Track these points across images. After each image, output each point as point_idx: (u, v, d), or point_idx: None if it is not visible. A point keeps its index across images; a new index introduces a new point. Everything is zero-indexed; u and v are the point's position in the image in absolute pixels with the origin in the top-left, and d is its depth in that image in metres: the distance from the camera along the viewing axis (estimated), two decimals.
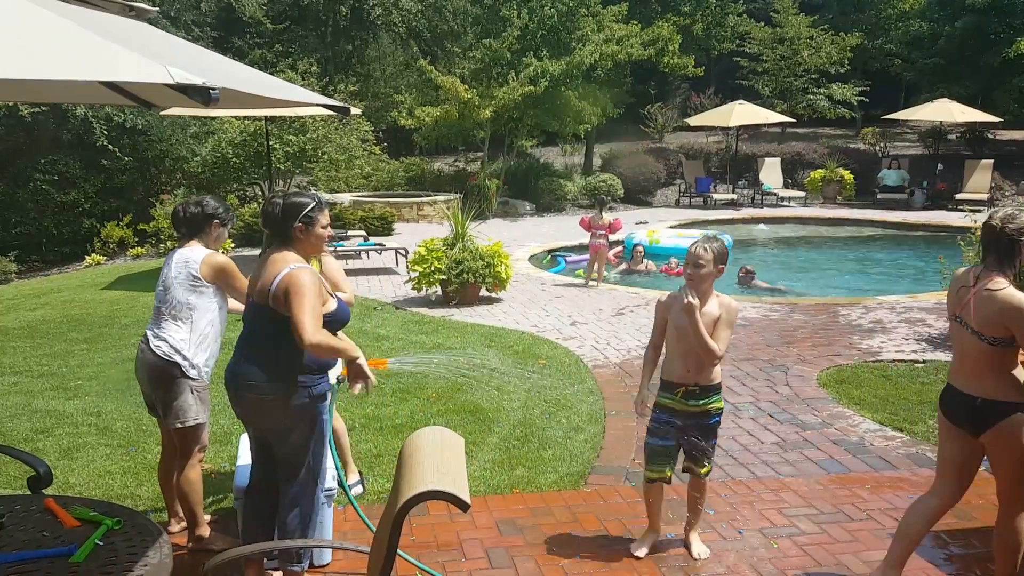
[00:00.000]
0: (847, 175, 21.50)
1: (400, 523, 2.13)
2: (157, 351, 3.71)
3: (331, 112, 3.90)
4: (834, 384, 6.51)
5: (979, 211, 16.15)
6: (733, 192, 21.44)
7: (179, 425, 3.72)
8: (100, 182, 16.79)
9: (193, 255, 3.78)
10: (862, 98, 25.83)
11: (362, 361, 3.39)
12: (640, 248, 12.84)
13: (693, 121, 22.50)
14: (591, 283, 10.85)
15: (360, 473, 4.69)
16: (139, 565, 2.48)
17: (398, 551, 2.25)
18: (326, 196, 15.26)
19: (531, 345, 7.73)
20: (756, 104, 22.70)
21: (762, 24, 26.60)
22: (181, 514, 3.99)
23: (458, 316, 8.98)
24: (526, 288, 10.62)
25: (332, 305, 3.32)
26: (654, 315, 3.89)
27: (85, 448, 5.28)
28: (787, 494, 4.57)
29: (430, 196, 18.59)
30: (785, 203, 20.92)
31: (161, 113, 13.29)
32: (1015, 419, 3.16)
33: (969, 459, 3.36)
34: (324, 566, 3.81)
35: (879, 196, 20.18)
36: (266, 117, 12.74)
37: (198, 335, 3.77)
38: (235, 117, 15.07)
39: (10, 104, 14.76)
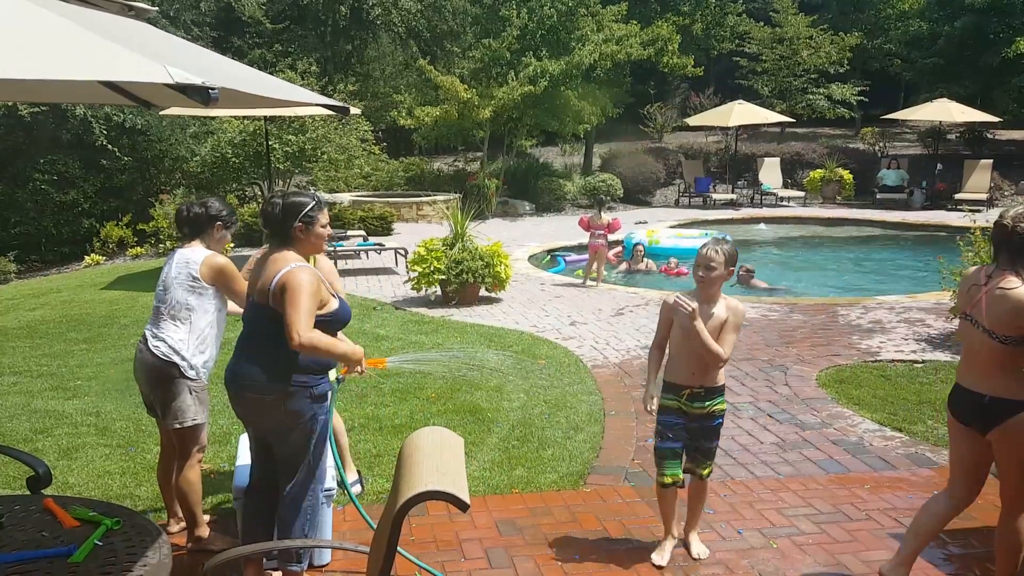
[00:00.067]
0: (846, 175, 21.51)
1: (400, 523, 2.13)
2: (156, 351, 3.71)
3: (330, 112, 3.91)
4: (833, 384, 6.51)
5: (978, 211, 16.19)
6: (732, 192, 21.45)
7: (177, 425, 3.72)
8: (99, 182, 16.79)
9: (194, 256, 3.78)
10: (861, 98, 25.83)
11: (358, 351, 3.38)
12: (640, 247, 12.84)
13: (692, 121, 22.51)
14: (589, 282, 10.85)
15: (359, 472, 4.69)
16: (138, 565, 2.48)
17: (398, 549, 2.25)
18: (325, 196, 15.29)
19: (530, 345, 7.73)
20: (755, 104, 22.71)
21: (761, 24, 26.61)
22: (180, 514, 3.99)
23: (457, 316, 8.99)
24: (525, 288, 10.62)
25: (334, 305, 3.32)
26: (659, 314, 3.83)
27: (84, 448, 5.28)
28: (786, 494, 4.57)
29: (429, 196, 18.60)
30: (784, 203, 20.92)
31: (160, 113, 13.30)
32: (1023, 417, 3.16)
33: (980, 459, 3.36)
34: (323, 566, 3.81)
35: (878, 196, 20.18)
36: (265, 117, 12.75)
37: (197, 336, 3.77)
38: (234, 117, 15.08)
39: (9, 104, 14.76)
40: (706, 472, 3.83)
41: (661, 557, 3.82)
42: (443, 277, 9.42)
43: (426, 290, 9.80)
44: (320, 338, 3.11)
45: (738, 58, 27.06)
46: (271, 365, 3.24)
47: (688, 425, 3.74)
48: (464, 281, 9.38)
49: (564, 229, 16.00)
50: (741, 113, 20.87)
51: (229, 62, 2.83)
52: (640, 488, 4.65)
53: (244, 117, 14.93)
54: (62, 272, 14.63)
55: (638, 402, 6.09)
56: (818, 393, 6.31)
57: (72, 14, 2.10)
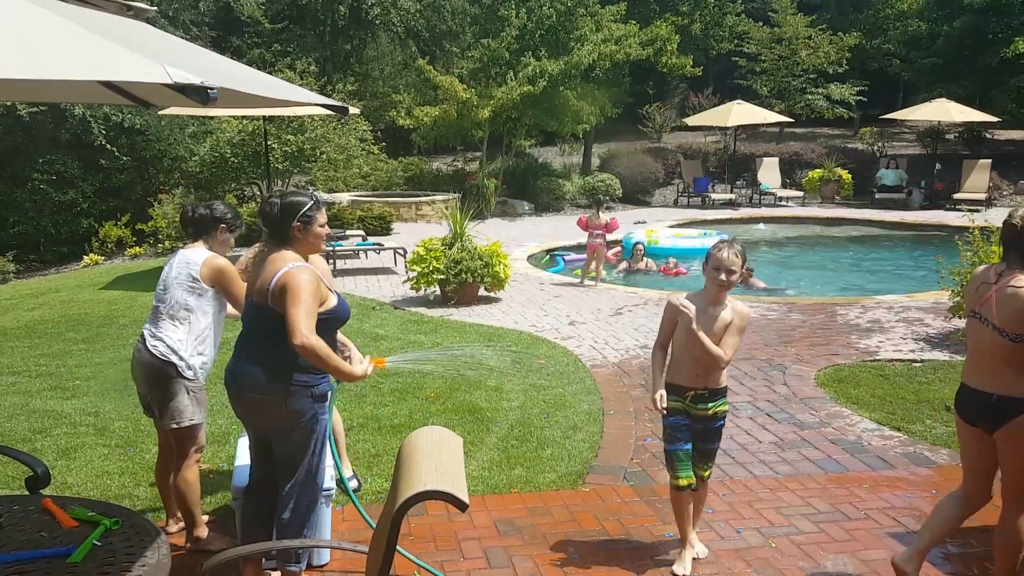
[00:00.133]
0: (845, 175, 21.51)
1: (399, 523, 2.13)
2: (154, 351, 3.71)
3: (329, 112, 3.91)
4: (832, 383, 6.51)
5: (977, 211, 16.24)
6: (731, 192, 21.46)
7: (175, 425, 3.72)
8: (98, 182, 16.79)
9: (195, 257, 3.79)
10: (860, 98, 25.85)
11: (356, 372, 3.32)
12: (640, 246, 12.84)
13: (691, 121, 22.51)
14: (587, 282, 10.86)
15: (353, 472, 4.69)
16: (137, 565, 2.48)
17: (397, 549, 2.25)
18: (324, 196, 15.28)
19: (529, 345, 7.73)
20: (754, 104, 22.72)
21: (760, 24, 26.62)
22: (179, 514, 3.99)
23: (456, 316, 8.99)
24: (525, 288, 10.62)
25: (332, 302, 3.32)
26: (663, 315, 3.78)
27: (83, 448, 5.28)
28: (785, 493, 4.57)
29: (428, 196, 18.60)
30: (783, 203, 20.93)
31: (159, 113, 13.29)
32: None
33: (990, 459, 3.35)
34: (322, 566, 3.81)
35: (877, 196, 20.19)
36: (264, 117, 12.74)
37: (195, 337, 3.77)
38: (233, 117, 15.07)
39: (8, 104, 14.75)
40: (707, 474, 3.83)
41: (683, 567, 3.72)
42: (442, 277, 9.42)
43: (425, 290, 9.81)
44: (320, 344, 3.09)
45: (737, 58, 27.07)
46: (271, 365, 3.24)
47: (693, 426, 3.72)
48: (463, 281, 9.38)
49: (563, 229, 16.00)
50: (740, 113, 20.88)
51: (228, 62, 2.83)
52: (639, 488, 4.65)
53: (243, 117, 14.92)
54: (61, 272, 14.62)
55: (637, 402, 6.09)
56: (817, 392, 6.31)
57: (71, 14, 2.10)
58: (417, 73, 22.04)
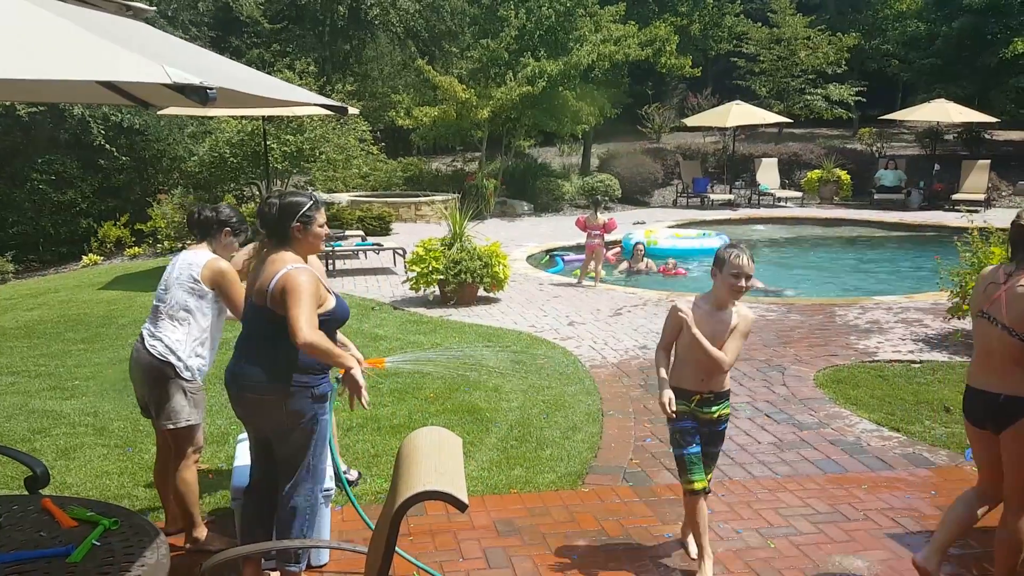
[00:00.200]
0: (844, 175, 21.52)
1: (398, 523, 2.13)
2: (152, 351, 3.72)
3: (329, 112, 3.91)
4: (831, 384, 6.52)
5: (976, 211, 16.25)
6: (730, 192, 21.46)
7: (171, 426, 3.73)
8: (97, 182, 16.78)
9: (197, 258, 3.81)
10: (859, 98, 25.87)
11: (357, 372, 3.31)
12: (640, 247, 12.85)
13: (690, 121, 22.52)
14: (586, 282, 10.86)
15: (347, 465, 4.70)
16: (136, 565, 2.48)
17: (396, 549, 2.25)
18: (323, 196, 15.27)
19: (529, 345, 7.74)
20: (753, 104, 22.72)
21: (759, 24, 26.63)
22: (178, 514, 3.98)
23: (456, 316, 8.99)
24: (524, 288, 10.62)
25: (331, 303, 3.32)
26: (667, 319, 3.72)
27: (82, 448, 5.27)
28: (784, 494, 4.57)
29: (428, 196, 18.59)
30: (782, 203, 20.93)
31: (158, 113, 13.28)
32: None
33: (1000, 458, 3.35)
34: (322, 566, 3.81)
35: (876, 196, 20.20)
36: (264, 117, 12.73)
37: (194, 338, 3.78)
38: (232, 117, 15.07)
39: (7, 104, 14.74)
40: (709, 477, 3.82)
41: None
42: (441, 277, 9.42)
43: (424, 290, 9.81)
44: (323, 341, 3.12)
45: (736, 59, 27.08)
46: (271, 366, 3.24)
47: (699, 430, 3.70)
48: (462, 281, 9.39)
49: (562, 229, 16.00)
50: (739, 114, 20.88)
51: (227, 62, 2.83)
52: (638, 488, 4.65)
53: (242, 117, 14.91)
54: (60, 272, 14.61)
55: (636, 402, 6.09)
56: (816, 393, 6.31)
57: (71, 14, 2.11)
58: (416, 73, 22.04)
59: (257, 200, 16.15)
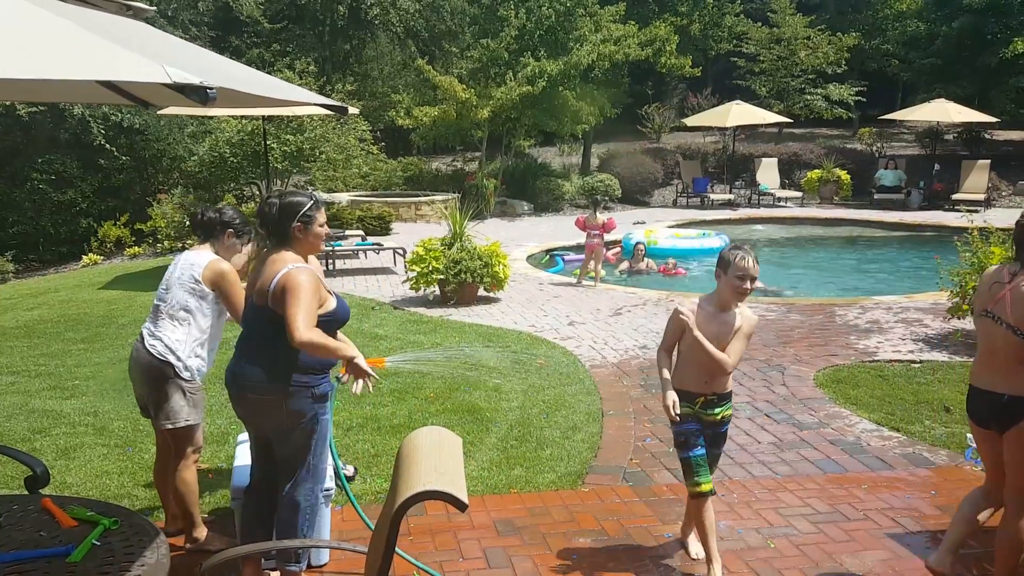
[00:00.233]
0: (844, 175, 21.53)
1: (398, 523, 2.13)
2: (152, 350, 3.72)
3: (329, 112, 3.91)
4: (831, 384, 6.52)
5: (976, 211, 16.25)
6: (730, 192, 21.46)
7: (169, 426, 3.73)
8: (97, 181, 16.78)
9: (199, 259, 3.81)
10: (859, 98, 25.87)
11: (360, 360, 3.36)
12: (641, 247, 12.85)
13: (690, 121, 22.52)
14: (585, 282, 10.86)
15: (343, 461, 4.71)
16: (136, 565, 2.48)
17: (396, 550, 2.26)
18: (324, 196, 15.27)
19: (529, 345, 7.73)
20: (753, 104, 22.73)
21: (759, 24, 26.64)
22: (178, 514, 3.98)
23: (456, 316, 8.99)
24: (524, 288, 10.62)
25: (332, 304, 3.32)
26: (669, 321, 3.69)
27: (82, 448, 5.27)
28: (784, 494, 4.57)
29: (428, 196, 18.59)
30: (782, 203, 20.93)
31: (158, 112, 13.28)
32: None
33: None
34: (321, 566, 3.81)
35: (876, 196, 20.20)
36: (264, 116, 12.73)
37: (194, 338, 3.78)
38: (232, 116, 15.06)
39: (7, 103, 14.74)
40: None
41: None
42: (441, 277, 9.42)
43: (424, 290, 9.81)
44: (321, 337, 3.12)
45: (736, 58, 27.08)
46: (271, 366, 3.24)
47: (703, 431, 3.68)
48: (462, 281, 9.39)
49: (562, 229, 16.00)
50: (739, 113, 20.89)
51: (227, 62, 2.83)
52: (638, 488, 4.65)
53: (242, 117, 14.91)
54: (60, 272, 14.61)
55: (636, 402, 6.09)
56: (815, 393, 6.32)
57: (71, 14, 2.11)
58: (416, 73, 22.04)
59: (257, 200, 16.16)
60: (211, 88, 1.86)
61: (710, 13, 28.21)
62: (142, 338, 3.78)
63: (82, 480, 4.77)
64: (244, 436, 3.90)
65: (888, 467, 4.94)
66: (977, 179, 19.51)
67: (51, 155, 16.29)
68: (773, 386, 6.49)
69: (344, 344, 3.38)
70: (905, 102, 27.28)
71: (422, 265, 9.46)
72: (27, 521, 2.76)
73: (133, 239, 15.46)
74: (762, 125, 23.10)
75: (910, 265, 13.75)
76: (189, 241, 13.39)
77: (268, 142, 13.98)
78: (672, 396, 3.57)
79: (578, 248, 12.77)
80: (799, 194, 21.28)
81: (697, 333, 3.53)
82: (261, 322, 3.26)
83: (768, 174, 21.55)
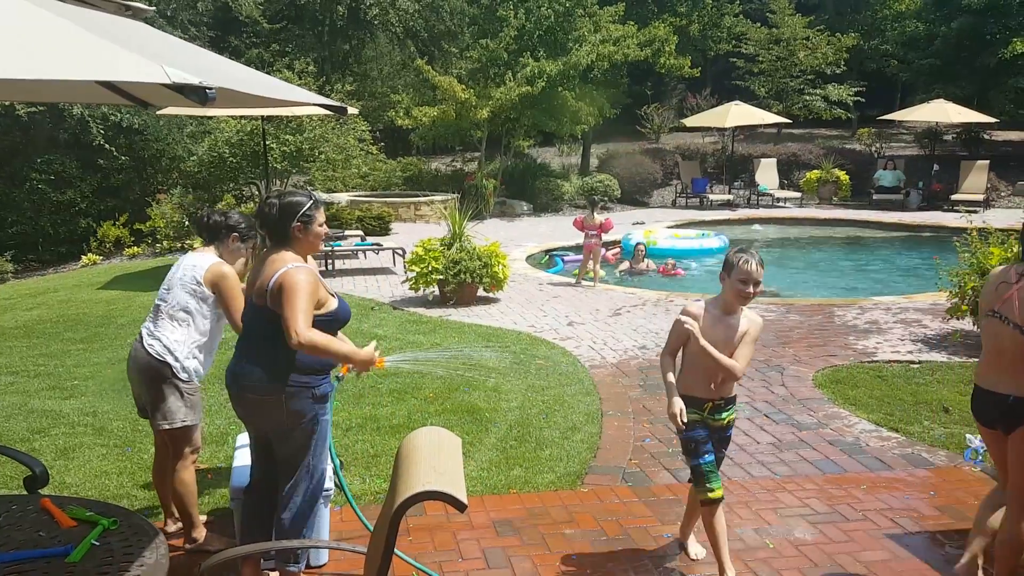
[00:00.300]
0: (843, 176, 21.53)
1: (397, 523, 2.13)
2: (150, 350, 3.72)
3: (328, 112, 3.91)
4: (830, 384, 6.52)
5: (975, 212, 16.25)
6: (729, 193, 21.46)
7: (167, 426, 3.73)
8: (96, 181, 16.78)
9: (201, 261, 3.82)
10: (858, 99, 25.85)
11: (363, 352, 3.36)
12: (641, 247, 12.86)
13: (689, 122, 22.53)
14: (584, 282, 10.87)
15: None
16: (135, 565, 2.48)
17: (395, 551, 2.26)
18: (323, 196, 15.26)
19: (528, 345, 7.73)
20: (752, 105, 22.72)
21: (758, 25, 26.63)
22: (177, 514, 3.99)
23: (455, 316, 8.99)
24: (523, 288, 10.63)
25: (333, 304, 3.32)
26: (673, 326, 3.63)
27: (81, 448, 5.27)
28: (783, 494, 4.58)
29: (427, 196, 18.60)
30: (781, 204, 20.94)
31: (157, 112, 13.28)
32: None
33: None
34: (321, 566, 3.81)
35: (875, 197, 20.20)
36: (263, 116, 12.73)
37: (193, 340, 3.78)
38: (232, 116, 15.06)
39: (7, 104, 14.74)
40: None
41: None
42: (441, 277, 9.42)
43: (424, 290, 9.81)
44: (319, 337, 3.12)
45: (735, 59, 27.08)
46: (271, 366, 3.24)
47: (710, 436, 3.65)
48: (462, 281, 9.39)
49: (562, 229, 16.00)
50: (738, 114, 20.89)
51: (227, 62, 2.83)
52: (637, 488, 4.65)
53: (241, 117, 14.90)
54: (59, 272, 14.61)
55: (635, 402, 6.10)
56: (814, 393, 6.32)
57: (70, 14, 2.11)
58: (416, 73, 22.03)
59: (256, 200, 16.16)
60: (210, 88, 1.86)
61: (709, 13, 28.21)
62: (141, 338, 3.79)
63: (81, 480, 4.77)
64: (243, 437, 3.91)
65: (887, 467, 4.94)
66: (976, 180, 19.51)
67: (50, 155, 16.29)
68: (772, 386, 6.49)
69: (344, 344, 3.38)
70: (904, 102, 27.29)
71: (421, 265, 9.46)
72: (26, 521, 2.76)
73: (132, 239, 15.45)
74: (761, 125, 23.11)
75: (909, 266, 13.77)
76: (188, 241, 13.39)
77: (267, 142, 13.97)
78: (679, 403, 3.50)
79: (577, 248, 12.76)
80: (798, 194, 21.29)
81: (704, 343, 3.47)
82: (261, 322, 3.26)
83: (767, 174, 21.55)
